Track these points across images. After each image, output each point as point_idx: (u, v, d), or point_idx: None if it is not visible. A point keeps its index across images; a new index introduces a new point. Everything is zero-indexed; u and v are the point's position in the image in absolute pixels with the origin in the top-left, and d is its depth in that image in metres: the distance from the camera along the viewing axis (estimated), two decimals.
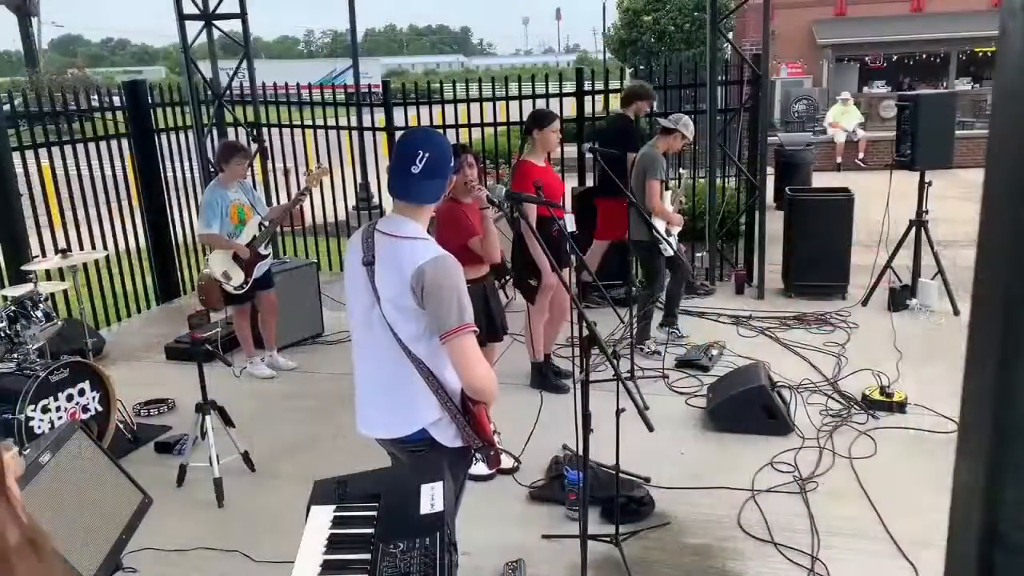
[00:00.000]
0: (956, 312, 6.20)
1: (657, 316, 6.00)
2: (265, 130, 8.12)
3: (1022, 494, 0.53)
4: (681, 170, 6.00)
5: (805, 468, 4.06)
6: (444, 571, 1.70)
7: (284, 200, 7.44)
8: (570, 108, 7.65)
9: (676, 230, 5.77)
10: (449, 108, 8.81)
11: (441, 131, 8.39)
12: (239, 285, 5.39)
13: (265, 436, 4.74)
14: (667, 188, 5.78)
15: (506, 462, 3.80)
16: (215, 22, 7.49)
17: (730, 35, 16.21)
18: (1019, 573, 0.54)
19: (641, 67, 10.03)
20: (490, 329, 4.24)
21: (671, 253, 5.53)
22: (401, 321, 2.34)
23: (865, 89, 19.59)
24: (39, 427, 4.11)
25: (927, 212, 6.35)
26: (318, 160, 8.07)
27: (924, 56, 20.20)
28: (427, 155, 2.33)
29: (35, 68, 29.59)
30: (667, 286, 5.86)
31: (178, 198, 7.98)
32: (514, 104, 7.97)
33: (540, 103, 7.54)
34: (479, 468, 2.68)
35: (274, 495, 4.09)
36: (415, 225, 2.39)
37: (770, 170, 9.22)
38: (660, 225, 5.51)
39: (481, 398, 2.38)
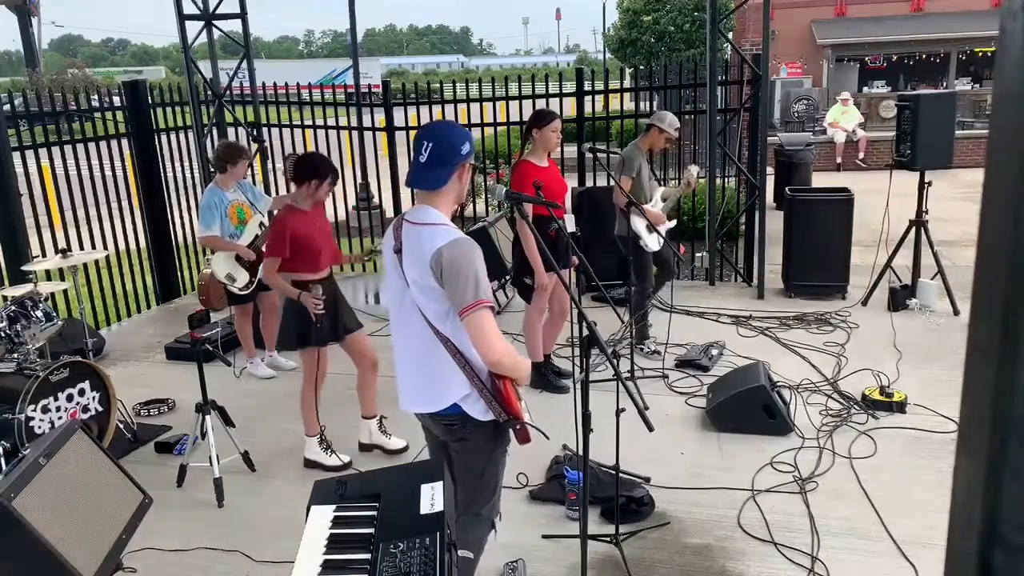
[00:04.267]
0: (956, 312, 6.20)
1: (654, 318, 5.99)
2: (265, 130, 8.12)
3: (1022, 494, 0.53)
4: (691, 165, 5.88)
5: (805, 468, 4.06)
6: (444, 571, 1.70)
7: None
8: (570, 108, 7.65)
9: (664, 227, 5.71)
10: (449, 108, 8.82)
11: None
12: (244, 285, 5.38)
13: (265, 436, 4.74)
14: (660, 185, 5.78)
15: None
16: (215, 22, 7.49)
17: (730, 35, 16.22)
18: (1019, 573, 0.54)
19: (641, 67, 10.02)
20: (333, 331, 4.27)
21: (655, 249, 5.51)
22: (427, 302, 2.50)
23: (865, 89, 19.58)
24: (39, 427, 4.11)
25: (927, 212, 6.35)
26: None
27: (924, 56, 20.19)
28: (431, 145, 2.50)
29: (35, 68, 29.62)
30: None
31: (178, 198, 7.98)
32: (514, 104, 7.97)
33: (540, 103, 7.53)
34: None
35: (274, 495, 4.09)
36: (436, 212, 2.55)
37: (770, 170, 9.24)
38: (640, 222, 5.46)
39: (499, 371, 2.52)
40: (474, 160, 2.61)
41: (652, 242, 5.45)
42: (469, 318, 2.41)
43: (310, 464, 4.36)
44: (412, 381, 2.67)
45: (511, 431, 2.62)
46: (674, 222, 5.99)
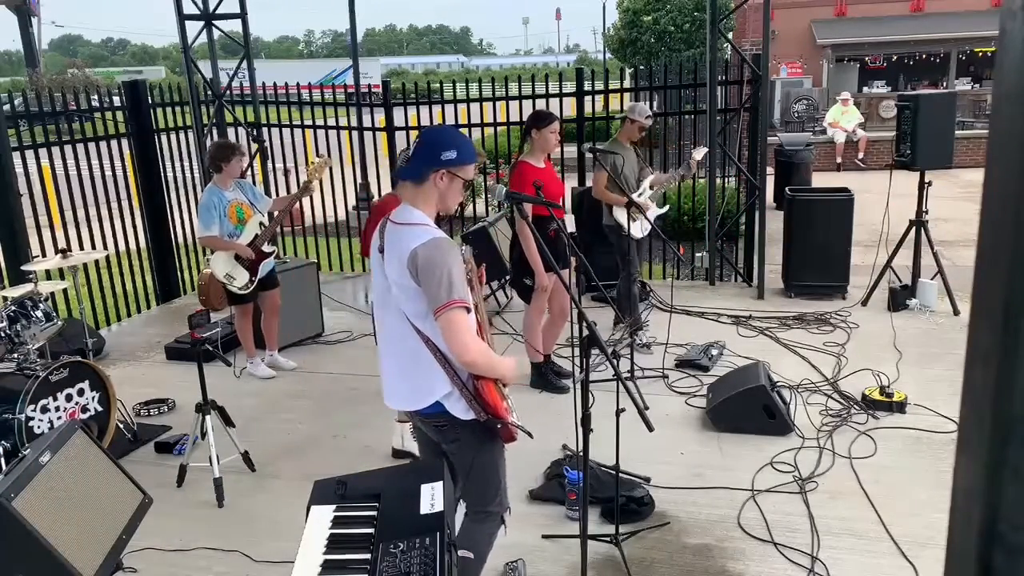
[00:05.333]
0: (956, 312, 6.20)
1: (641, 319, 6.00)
2: (265, 130, 8.12)
3: (1022, 494, 0.53)
4: (700, 148, 6.06)
5: (805, 468, 4.06)
6: (444, 571, 1.70)
7: None
8: (570, 108, 7.65)
9: (653, 213, 5.74)
10: (449, 108, 8.82)
11: None
12: (243, 285, 5.37)
13: (265, 436, 4.74)
14: (650, 173, 5.85)
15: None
16: (215, 22, 7.49)
17: (730, 35, 16.21)
18: (1019, 573, 0.54)
19: (641, 67, 10.02)
20: None
21: (638, 236, 5.64)
22: (406, 301, 2.52)
23: (865, 89, 19.58)
24: (39, 427, 4.11)
25: (927, 212, 6.35)
26: (317, 154, 8.08)
27: (924, 56, 20.19)
28: (419, 140, 2.62)
29: (35, 68, 29.62)
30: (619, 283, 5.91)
31: (178, 198, 7.98)
32: (514, 104, 7.97)
33: (540, 103, 7.53)
34: None
35: (274, 495, 4.09)
36: (418, 212, 2.57)
37: (770, 170, 9.23)
38: (621, 212, 5.52)
39: (474, 371, 2.52)
40: (459, 172, 2.55)
41: (635, 230, 5.59)
42: (442, 317, 2.42)
43: (399, 454, 4.36)
44: (396, 379, 2.69)
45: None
46: (665, 208, 6.08)
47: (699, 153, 5.90)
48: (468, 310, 2.47)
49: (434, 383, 2.55)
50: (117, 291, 7.35)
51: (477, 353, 2.46)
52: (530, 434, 2.67)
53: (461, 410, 2.57)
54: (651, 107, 6.78)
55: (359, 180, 10.77)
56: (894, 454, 4.19)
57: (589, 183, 7.69)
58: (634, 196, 5.48)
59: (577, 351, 2.87)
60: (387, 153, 8.32)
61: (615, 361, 2.73)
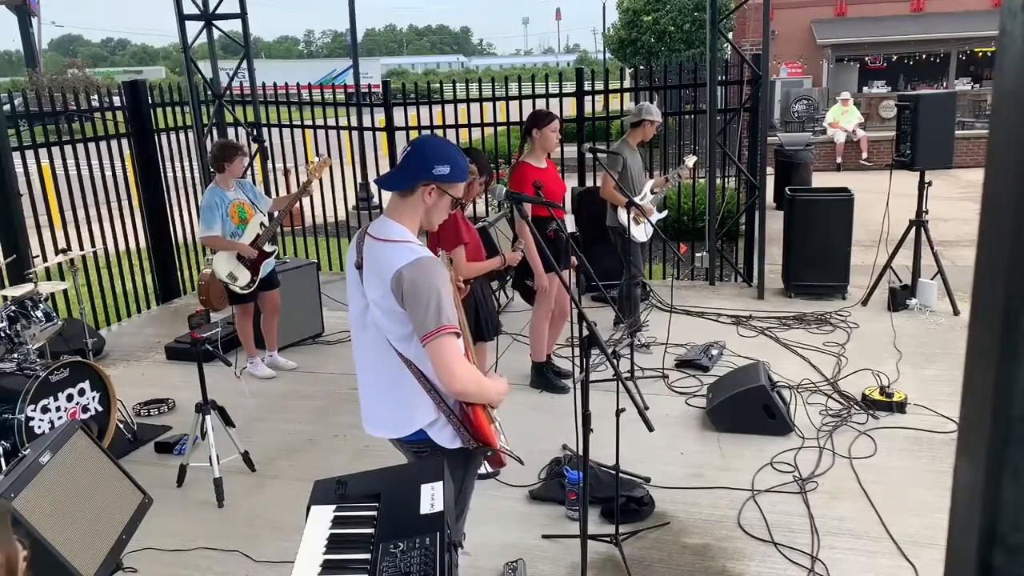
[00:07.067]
0: (956, 312, 6.20)
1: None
2: (265, 130, 8.12)
3: (1022, 494, 0.53)
4: (690, 156, 5.97)
5: (805, 468, 4.06)
6: (444, 571, 1.70)
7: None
8: (570, 108, 7.65)
9: (654, 217, 5.75)
10: (449, 108, 8.82)
11: (441, 131, 8.23)
12: (246, 285, 5.37)
13: (265, 436, 4.74)
14: (650, 177, 5.84)
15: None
16: (215, 22, 7.49)
17: (730, 35, 16.21)
18: (1019, 573, 0.54)
19: (641, 67, 10.02)
20: (476, 330, 4.29)
21: (642, 240, 5.64)
22: (388, 323, 2.35)
23: (865, 89, 19.58)
24: (39, 427, 4.11)
25: (927, 212, 6.35)
26: (317, 153, 8.08)
27: (924, 56, 20.18)
28: (409, 151, 2.42)
29: (35, 68, 29.63)
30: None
31: (178, 198, 7.98)
32: (514, 104, 7.97)
33: (540, 103, 7.53)
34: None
35: (274, 495, 4.09)
36: (400, 228, 2.39)
37: (770, 170, 9.23)
38: (623, 214, 5.52)
39: (464, 400, 2.39)
40: (450, 188, 2.39)
41: (639, 233, 5.58)
42: (430, 345, 2.26)
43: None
44: (376, 404, 2.52)
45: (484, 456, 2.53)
46: (665, 212, 6.07)
47: (690, 161, 5.89)
48: (458, 335, 2.31)
49: (417, 409, 2.40)
50: (117, 291, 7.35)
51: (468, 382, 2.30)
52: (520, 460, 2.59)
53: (447, 438, 2.43)
54: None
55: (359, 180, 10.78)
56: (894, 454, 4.19)
57: (589, 183, 7.71)
58: (636, 199, 5.48)
59: (577, 351, 2.87)
60: (387, 153, 8.33)
61: (615, 361, 2.73)
